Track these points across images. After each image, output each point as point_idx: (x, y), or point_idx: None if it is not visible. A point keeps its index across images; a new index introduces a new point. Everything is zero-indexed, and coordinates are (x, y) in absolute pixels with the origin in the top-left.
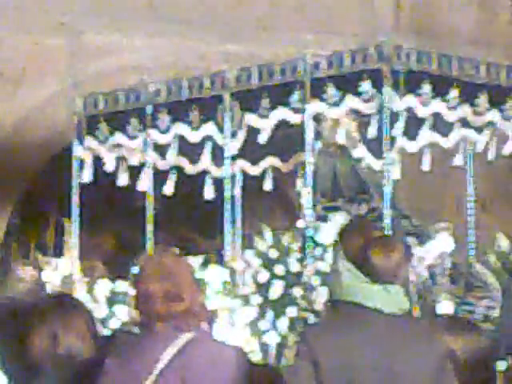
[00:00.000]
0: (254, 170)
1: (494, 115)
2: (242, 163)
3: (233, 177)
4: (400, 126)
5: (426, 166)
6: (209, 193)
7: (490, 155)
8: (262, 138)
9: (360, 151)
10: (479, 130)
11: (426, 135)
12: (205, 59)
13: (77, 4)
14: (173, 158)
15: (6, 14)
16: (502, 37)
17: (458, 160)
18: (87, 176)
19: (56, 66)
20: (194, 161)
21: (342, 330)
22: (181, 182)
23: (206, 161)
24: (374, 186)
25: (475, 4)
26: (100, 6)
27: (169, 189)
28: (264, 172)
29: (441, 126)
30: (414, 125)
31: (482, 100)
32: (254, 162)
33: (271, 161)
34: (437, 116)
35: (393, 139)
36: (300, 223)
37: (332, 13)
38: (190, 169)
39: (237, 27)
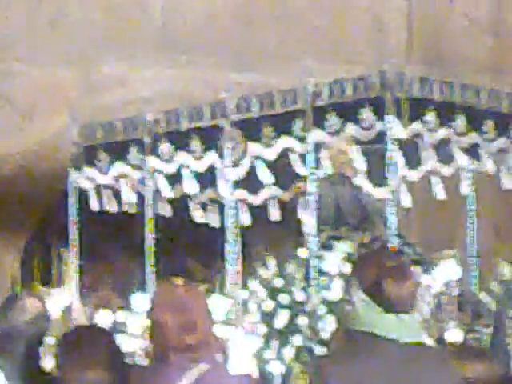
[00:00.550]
0: (254, 200)
1: (503, 142)
2: (241, 193)
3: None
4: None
5: (440, 195)
6: (215, 221)
7: (503, 184)
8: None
9: (359, 179)
10: (484, 157)
11: (427, 164)
12: (214, 89)
13: (87, 36)
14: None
15: (17, 46)
16: None
17: (464, 188)
18: (94, 205)
19: (67, 97)
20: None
21: (357, 361)
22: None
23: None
24: (377, 215)
25: (488, 32)
26: (111, 37)
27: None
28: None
29: (442, 154)
30: (414, 153)
31: (489, 127)
32: (254, 192)
33: (271, 190)
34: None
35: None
36: (301, 252)
37: (343, 42)
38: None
39: (245, 57)
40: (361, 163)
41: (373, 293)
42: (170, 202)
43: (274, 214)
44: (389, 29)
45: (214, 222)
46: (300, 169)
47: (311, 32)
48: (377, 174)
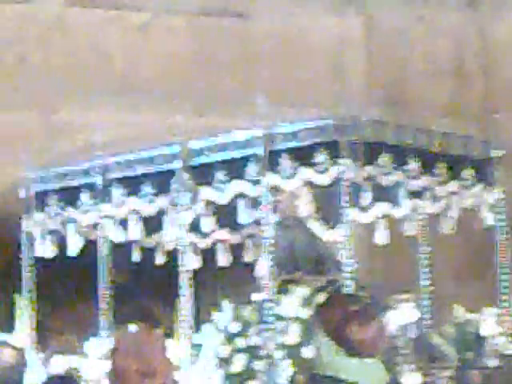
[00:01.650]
0: (204, 243)
1: (454, 185)
2: (192, 236)
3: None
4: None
5: (381, 239)
6: (160, 259)
7: (445, 227)
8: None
9: (309, 222)
10: (435, 199)
11: (379, 206)
12: (177, 133)
13: (48, 82)
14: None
15: None
16: (475, 108)
17: (409, 230)
18: (44, 251)
19: (28, 143)
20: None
21: None
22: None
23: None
24: (332, 258)
25: (448, 75)
26: (71, 83)
27: (135, 258)
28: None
29: (392, 196)
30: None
31: (442, 170)
32: (204, 235)
33: (219, 233)
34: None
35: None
36: (255, 296)
37: (305, 86)
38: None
39: (209, 101)
40: (308, 207)
41: (336, 337)
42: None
43: (222, 260)
44: (348, 72)
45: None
46: (243, 217)
47: (272, 76)
48: (332, 217)
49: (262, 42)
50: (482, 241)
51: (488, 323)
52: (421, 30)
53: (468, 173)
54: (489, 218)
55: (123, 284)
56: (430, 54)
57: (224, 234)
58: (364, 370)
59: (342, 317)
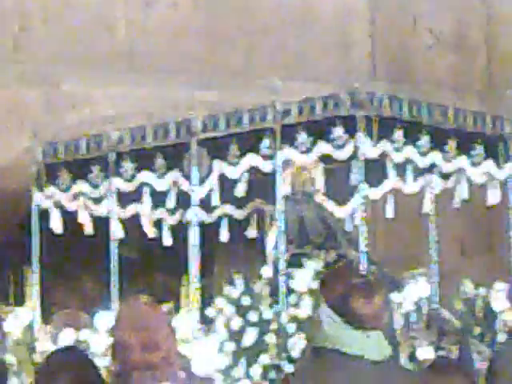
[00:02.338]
0: (209, 218)
1: (463, 161)
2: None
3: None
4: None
5: (389, 213)
6: (167, 240)
7: (455, 202)
8: (239, 191)
9: (319, 198)
10: (445, 176)
11: (389, 182)
12: (181, 108)
13: (53, 55)
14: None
15: None
16: (478, 82)
17: (425, 207)
18: (55, 225)
19: (31, 117)
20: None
21: (325, 377)
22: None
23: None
24: (342, 233)
25: (451, 49)
26: (75, 57)
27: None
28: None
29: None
30: (376, 172)
31: (451, 146)
32: (209, 210)
33: (225, 208)
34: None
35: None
36: (265, 271)
37: (308, 60)
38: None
39: (214, 75)
40: (320, 182)
41: (340, 310)
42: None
43: (223, 235)
44: (353, 46)
45: (167, 240)
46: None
47: (277, 50)
48: (341, 193)
49: (268, 16)
50: (491, 215)
51: (498, 298)
52: (425, 3)
53: (478, 149)
54: (497, 195)
55: (134, 258)
56: (434, 28)
57: (229, 209)
58: (367, 343)
59: (346, 290)
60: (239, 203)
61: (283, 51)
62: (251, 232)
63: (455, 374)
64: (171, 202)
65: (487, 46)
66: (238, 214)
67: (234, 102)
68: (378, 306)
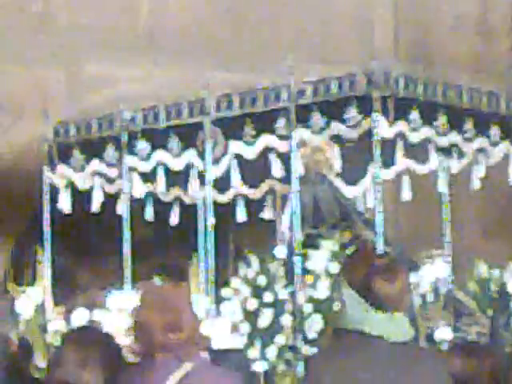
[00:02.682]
0: (222, 198)
1: (482, 142)
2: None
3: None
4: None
5: (405, 196)
6: (174, 219)
7: (474, 184)
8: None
9: (332, 177)
10: (461, 156)
11: (401, 162)
12: (199, 89)
13: (75, 35)
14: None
15: (3, 47)
16: (501, 63)
17: (441, 186)
18: (64, 204)
19: (55, 97)
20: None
21: (346, 359)
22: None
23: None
24: (356, 213)
25: (474, 31)
26: (98, 37)
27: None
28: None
29: (416, 152)
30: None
31: (469, 126)
32: (222, 190)
33: (239, 189)
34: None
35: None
36: (279, 251)
37: (330, 43)
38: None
39: (236, 57)
40: (338, 163)
41: (362, 291)
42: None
43: (241, 215)
44: (375, 28)
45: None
46: (277, 170)
47: (296, 31)
48: (354, 173)
49: None
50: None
51: None
52: None
53: (495, 129)
54: None
55: (149, 238)
56: (456, 11)
57: (243, 189)
58: (389, 324)
59: (369, 271)
60: (252, 183)
61: (304, 34)
62: (268, 213)
63: (479, 356)
64: (192, 184)
65: (510, 29)
66: (252, 194)
67: (255, 84)
68: (400, 287)
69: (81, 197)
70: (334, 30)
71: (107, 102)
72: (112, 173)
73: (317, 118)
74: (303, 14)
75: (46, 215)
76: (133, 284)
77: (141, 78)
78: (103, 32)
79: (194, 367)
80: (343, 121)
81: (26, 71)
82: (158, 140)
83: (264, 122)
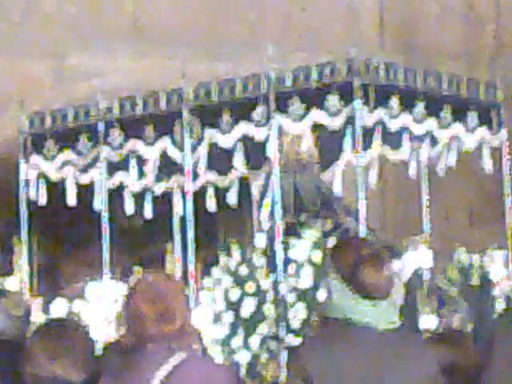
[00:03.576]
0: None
1: (458, 128)
2: (180, 179)
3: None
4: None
5: (372, 178)
6: (148, 212)
7: (439, 169)
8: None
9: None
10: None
11: (375, 149)
12: (190, 79)
13: (59, 27)
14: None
15: None
16: (487, 51)
17: (411, 171)
18: (36, 195)
19: (41, 90)
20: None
21: (333, 347)
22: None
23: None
24: (337, 202)
25: (460, 19)
26: (83, 29)
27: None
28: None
29: (389, 138)
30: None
31: (446, 113)
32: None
33: (208, 176)
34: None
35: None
36: (259, 240)
37: (316, 31)
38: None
39: (222, 46)
40: (309, 147)
41: (349, 280)
42: None
43: (210, 205)
44: (361, 16)
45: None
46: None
47: (282, 21)
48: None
49: None
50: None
51: (496, 266)
52: None
53: (472, 116)
54: (487, 163)
55: (136, 228)
56: None
57: (211, 177)
58: (376, 312)
59: (356, 259)
60: (223, 171)
61: (290, 22)
62: (231, 198)
63: (463, 344)
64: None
65: (496, 16)
66: (221, 182)
67: (240, 73)
68: (388, 276)
69: (59, 188)
70: (319, 18)
71: (92, 93)
72: (82, 162)
73: (296, 106)
74: (289, 2)
75: (23, 207)
76: (119, 277)
77: (126, 69)
78: (88, 23)
79: (186, 357)
80: (324, 108)
81: (12, 63)
82: (133, 130)
83: (243, 111)
